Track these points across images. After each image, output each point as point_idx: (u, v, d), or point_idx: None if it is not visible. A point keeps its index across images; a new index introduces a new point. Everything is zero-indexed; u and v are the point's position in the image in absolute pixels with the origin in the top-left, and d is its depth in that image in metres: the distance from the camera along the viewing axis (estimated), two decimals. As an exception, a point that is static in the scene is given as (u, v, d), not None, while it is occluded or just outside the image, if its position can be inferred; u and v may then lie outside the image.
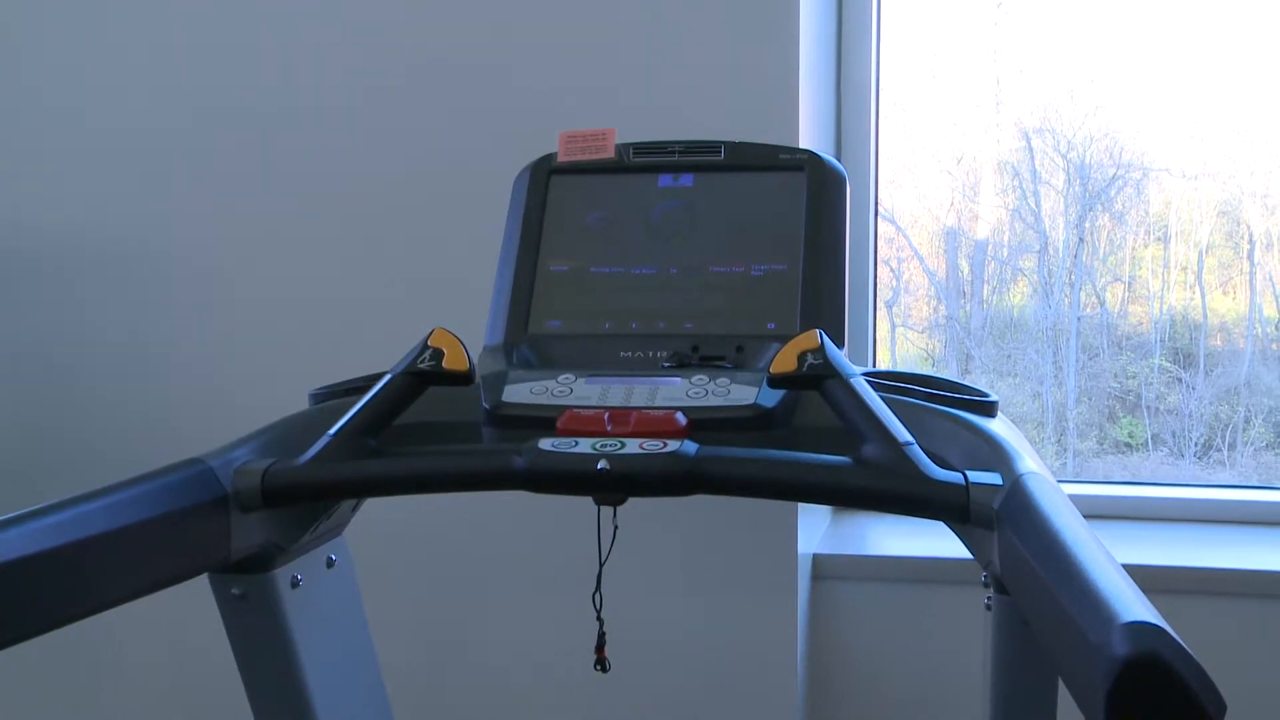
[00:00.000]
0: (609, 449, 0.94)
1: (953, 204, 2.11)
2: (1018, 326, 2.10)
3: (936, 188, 2.11)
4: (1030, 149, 2.06)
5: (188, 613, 1.18)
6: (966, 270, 2.11)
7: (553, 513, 1.62)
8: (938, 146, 2.09)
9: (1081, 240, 2.06)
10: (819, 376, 0.97)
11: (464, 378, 1.02)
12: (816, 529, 1.83)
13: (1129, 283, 2.07)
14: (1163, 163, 2.02)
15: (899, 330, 2.14)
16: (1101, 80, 2.00)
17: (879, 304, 2.01)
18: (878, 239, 1.97)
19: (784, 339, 1.02)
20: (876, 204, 1.94)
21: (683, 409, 1.01)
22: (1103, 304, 2.07)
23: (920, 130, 2.08)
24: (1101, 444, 2.06)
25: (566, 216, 1.24)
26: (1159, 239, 2.05)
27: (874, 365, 1.98)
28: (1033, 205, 2.08)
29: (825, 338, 0.99)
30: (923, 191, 2.12)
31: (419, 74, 1.70)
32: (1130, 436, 2.06)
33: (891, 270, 2.12)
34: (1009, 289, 2.12)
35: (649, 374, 1.09)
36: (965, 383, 1.12)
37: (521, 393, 1.06)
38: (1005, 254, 2.11)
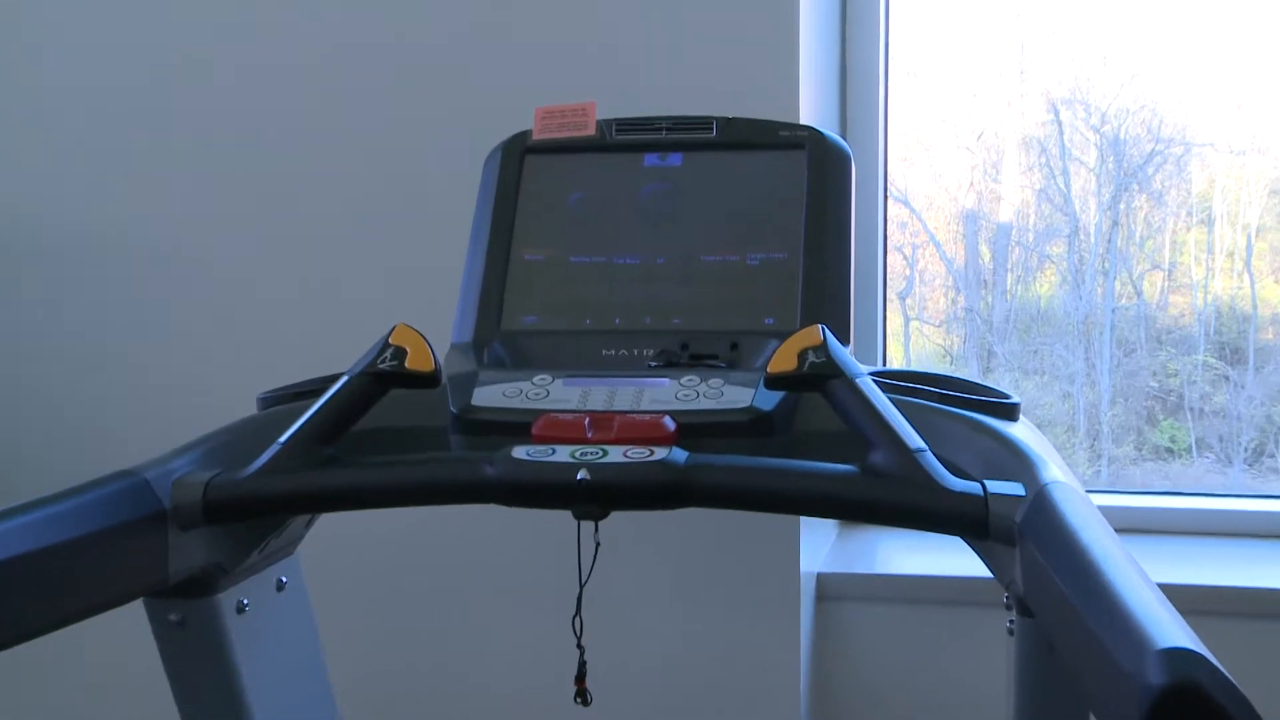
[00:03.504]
0: (589, 457, 0.95)
1: (972, 184, 2.12)
2: (1045, 319, 2.10)
3: (954, 166, 2.12)
4: (1059, 122, 2.07)
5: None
6: (988, 257, 2.12)
7: (529, 528, 1.63)
8: (955, 120, 2.10)
9: (1116, 223, 2.06)
10: (821, 376, 0.98)
11: (429, 379, 1.03)
12: (821, 545, 1.84)
13: (1169, 270, 2.07)
14: (1206, 137, 2.01)
15: (913, 324, 2.15)
16: (1138, 45, 2.01)
17: (890, 296, 2.02)
18: (888, 223, 1.99)
19: (783, 335, 1.04)
20: (886, 184, 1.96)
21: (671, 413, 1.02)
22: (1140, 294, 2.07)
23: (936, 102, 2.09)
24: (1139, 450, 2.07)
25: (543, 200, 1.26)
26: (1202, 221, 2.04)
27: (884, 364, 2.00)
28: (1061, 185, 2.09)
29: (828, 333, 1.00)
30: (939, 170, 2.13)
31: (380, 45, 1.72)
32: (1171, 441, 2.07)
33: (904, 258, 2.14)
34: (1035, 278, 2.13)
35: (634, 375, 1.11)
36: (984, 383, 1.13)
37: (493, 395, 1.07)
38: (1031, 239, 2.12)
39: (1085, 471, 2.07)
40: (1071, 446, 2.08)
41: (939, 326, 2.17)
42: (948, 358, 2.16)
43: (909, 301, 2.14)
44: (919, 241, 2.14)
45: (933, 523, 0.93)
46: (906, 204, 2.10)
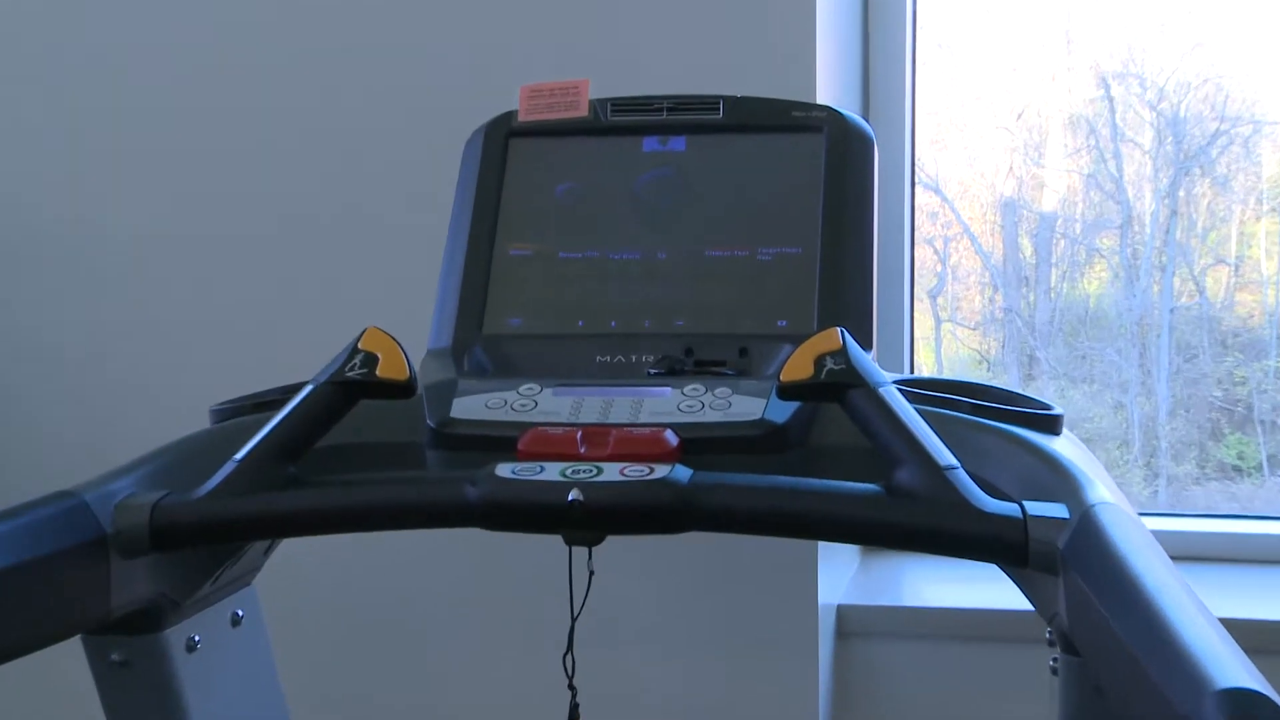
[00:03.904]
0: (582, 476, 0.96)
1: (1012, 169, 2.12)
2: (1094, 321, 2.11)
3: (991, 149, 2.12)
4: (1110, 99, 2.07)
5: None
6: (1030, 251, 2.13)
7: (515, 554, 1.64)
8: (992, 97, 2.11)
9: (1175, 213, 2.05)
10: (840, 385, 0.98)
11: (403, 388, 1.03)
12: (841, 574, 1.85)
13: (1235, 265, 2.07)
14: (1278, 114, 2.01)
15: (945, 327, 2.16)
16: (1200, 11, 2.00)
17: (918, 294, 2.04)
18: (915, 214, 2.00)
19: (798, 339, 1.04)
20: (914, 170, 1.97)
21: (673, 426, 1.03)
22: (1202, 292, 2.07)
23: (970, 77, 2.09)
24: (1202, 468, 2.07)
25: (529, 189, 1.27)
26: (1274, 210, 2.03)
27: (911, 371, 2.02)
28: (1113, 169, 2.09)
29: (848, 337, 1.01)
30: (974, 154, 2.14)
31: (347, 17, 1.73)
32: (1239, 458, 2.06)
33: (935, 252, 2.15)
34: (1083, 274, 2.13)
35: (632, 383, 1.12)
36: (1024, 393, 1.15)
37: (474, 407, 1.09)
38: (1078, 230, 2.13)
39: (1140, 492, 2.07)
40: (1125, 464, 2.08)
41: (974, 329, 2.17)
42: (984, 364, 2.16)
43: (940, 301, 2.15)
44: (951, 234, 2.15)
45: (966, 548, 0.93)
46: (938, 192, 2.11)
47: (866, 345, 1.15)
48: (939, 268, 2.15)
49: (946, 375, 2.02)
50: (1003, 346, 2.15)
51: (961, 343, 2.17)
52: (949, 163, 2.12)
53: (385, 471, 1.10)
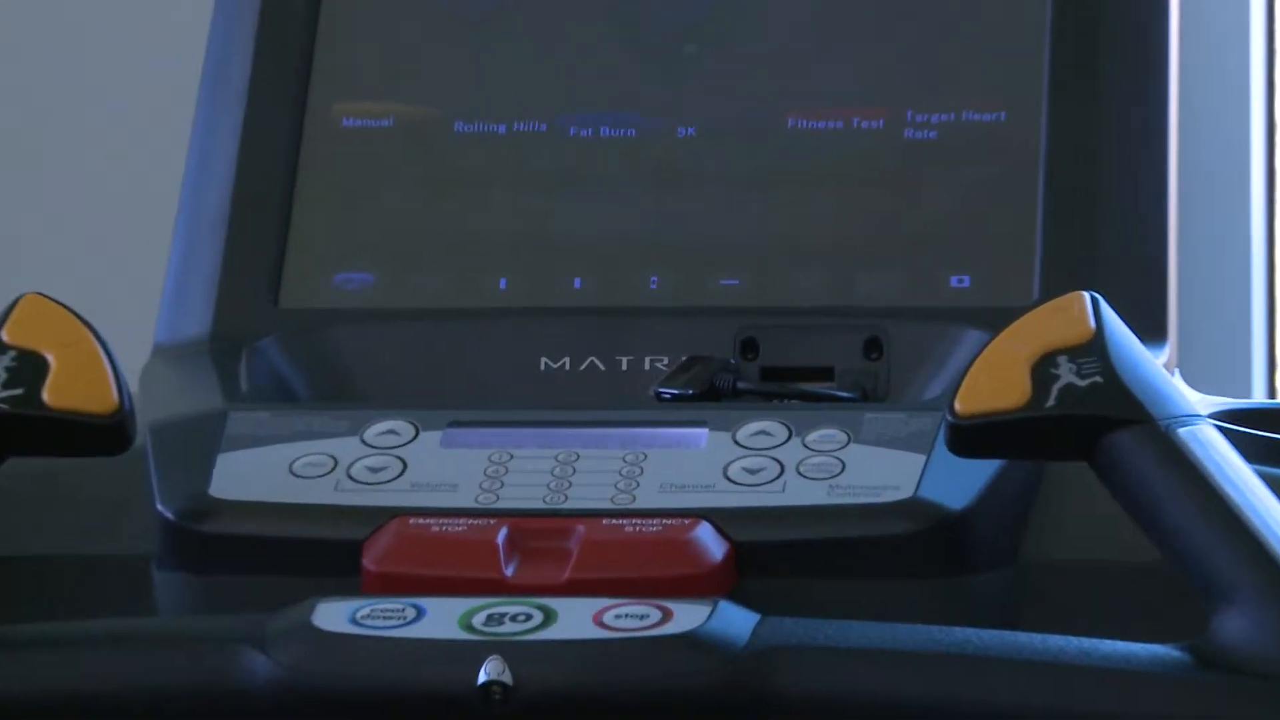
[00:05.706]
0: (509, 630, 0.89)
1: None
2: None
3: None
4: None
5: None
6: None
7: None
8: None
9: None
10: (1093, 421, 0.91)
11: (103, 432, 0.96)
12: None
13: None
14: None
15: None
16: None
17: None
18: (1275, 56, 2.05)
19: (996, 318, 1.00)
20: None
21: (715, 516, 0.99)
22: None
23: None
24: None
25: None
26: None
27: (1271, 393, 2.09)
28: None
29: (1109, 316, 0.95)
30: None
31: None
32: None
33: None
34: None
35: (619, 419, 1.10)
36: None
37: (264, 473, 1.05)
38: None
39: None
40: None
41: None
42: None
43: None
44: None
45: None
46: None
47: (1154, 336, 1.13)
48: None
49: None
50: None
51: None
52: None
53: (68, 621, 1.01)
